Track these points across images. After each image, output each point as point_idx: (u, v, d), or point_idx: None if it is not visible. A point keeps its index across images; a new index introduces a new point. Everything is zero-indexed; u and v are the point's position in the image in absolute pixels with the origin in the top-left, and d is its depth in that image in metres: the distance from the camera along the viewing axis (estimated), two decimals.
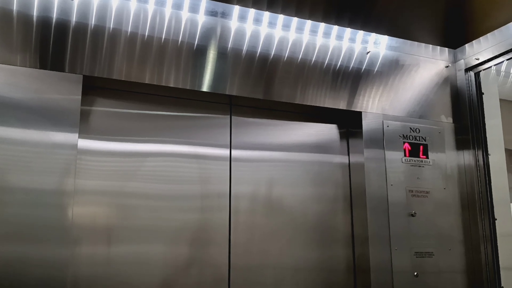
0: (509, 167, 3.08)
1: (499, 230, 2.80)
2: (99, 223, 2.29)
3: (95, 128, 2.37)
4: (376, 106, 2.84)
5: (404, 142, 2.85)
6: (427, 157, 2.89)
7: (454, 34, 3.05)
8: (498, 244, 2.79)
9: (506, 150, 3.01)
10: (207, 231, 2.49)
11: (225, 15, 2.53)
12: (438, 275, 2.75)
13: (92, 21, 2.25)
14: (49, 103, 2.12)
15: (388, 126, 2.83)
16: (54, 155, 2.08)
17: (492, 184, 2.86)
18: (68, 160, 2.10)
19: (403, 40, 2.98)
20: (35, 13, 2.14)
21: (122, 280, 2.28)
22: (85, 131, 2.32)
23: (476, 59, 2.96)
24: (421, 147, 2.88)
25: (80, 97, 2.17)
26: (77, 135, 2.13)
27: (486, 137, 2.92)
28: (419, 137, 2.90)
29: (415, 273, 2.69)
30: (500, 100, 3.08)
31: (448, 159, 2.96)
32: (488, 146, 2.91)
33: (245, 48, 2.56)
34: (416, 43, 3.02)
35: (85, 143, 2.31)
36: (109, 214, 2.32)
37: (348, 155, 2.90)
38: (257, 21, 2.60)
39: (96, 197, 2.30)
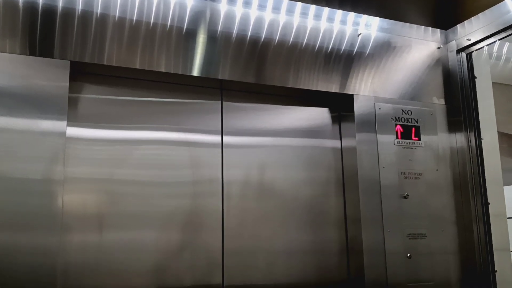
0: (502, 148, 3.08)
1: (491, 211, 2.81)
2: (90, 211, 2.28)
3: (85, 115, 2.34)
4: (368, 89, 2.83)
5: (396, 124, 2.84)
6: (419, 139, 2.88)
7: (445, 14, 3.02)
8: (491, 225, 2.80)
9: (499, 132, 3.01)
10: (200, 217, 2.49)
11: None
12: (431, 256, 2.76)
13: (80, 5, 2.21)
14: (36, 89, 2.09)
15: (380, 108, 2.82)
16: (42, 143, 2.06)
17: (485, 165, 2.86)
18: (57, 147, 2.08)
19: (394, 21, 2.95)
20: None
21: (115, 267, 2.27)
22: (74, 118, 2.30)
23: (468, 39, 2.94)
24: (413, 129, 2.88)
25: (67, 83, 2.15)
26: (65, 122, 2.11)
27: (478, 119, 2.91)
28: (411, 119, 2.89)
29: (408, 255, 2.70)
30: (493, 83, 3.06)
31: (440, 140, 2.95)
32: (481, 128, 2.90)
33: (235, 31, 2.53)
34: (407, 24, 3.00)
35: (74, 131, 2.29)
36: (100, 201, 2.31)
37: (340, 138, 2.89)
38: (247, 3, 2.57)
39: (86, 185, 2.29)
